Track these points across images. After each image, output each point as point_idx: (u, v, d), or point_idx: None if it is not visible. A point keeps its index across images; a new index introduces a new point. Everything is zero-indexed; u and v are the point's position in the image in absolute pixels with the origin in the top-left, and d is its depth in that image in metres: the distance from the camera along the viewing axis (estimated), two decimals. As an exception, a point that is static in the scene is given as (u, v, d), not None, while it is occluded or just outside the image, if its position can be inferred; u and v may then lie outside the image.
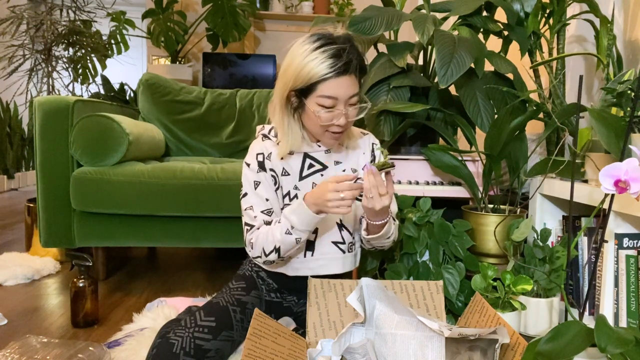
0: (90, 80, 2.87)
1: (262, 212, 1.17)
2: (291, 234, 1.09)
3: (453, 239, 1.45)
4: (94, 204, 1.77)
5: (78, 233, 1.82)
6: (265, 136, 1.23)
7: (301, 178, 1.21)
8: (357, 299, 0.98)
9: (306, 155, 1.22)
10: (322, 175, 1.22)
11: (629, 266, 1.16)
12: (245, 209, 1.18)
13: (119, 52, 3.23)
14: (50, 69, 2.60)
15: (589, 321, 1.14)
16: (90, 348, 1.23)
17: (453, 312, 1.40)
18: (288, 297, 1.28)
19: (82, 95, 2.85)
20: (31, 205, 2.22)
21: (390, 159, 1.64)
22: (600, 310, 1.22)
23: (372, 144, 1.29)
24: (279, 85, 1.13)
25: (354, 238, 1.27)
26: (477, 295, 1.10)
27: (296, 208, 1.09)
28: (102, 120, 1.79)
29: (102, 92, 2.91)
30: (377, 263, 1.46)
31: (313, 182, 1.21)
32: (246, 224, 1.18)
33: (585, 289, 1.34)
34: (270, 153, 1.20)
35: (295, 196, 1.21)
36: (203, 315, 1.09)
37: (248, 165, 1.20)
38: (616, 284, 1.18)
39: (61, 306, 1.65)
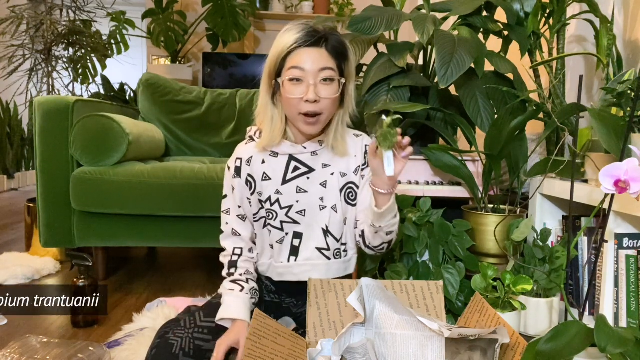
0: (90, 80, 2.88)
1: (237, 216, 1.19)
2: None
3: (453, 239, 1.45)
4: (94, 204, 1.77)
5: (78, 233, 1.82)
6: (251, 138, 1.21)
7: (284, 182, 1.17)
8: (357, 299, 0.98)
9: (291, 158, 1.17)
10: (308, 178, 1.17)
11: (629, 266, 1.16)
12: (223, 211, 1.21)
13: (119, 52, 3.23)
14: (50, 69, 2.61)
15: (589, 321, 1.14)
16: (90, 348, 1.23)
17: (453, 312, 1.40)
18: (287, 299, 1.28)
19: (82, 95, 2.85)
20: (31, 205, 2.22)
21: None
22: (600, 310, 1.22)
23: (365, 145, 1.21)
24: (264, 78, 1.12)
25: (342, 244, 1.21)
26: (477, 295, 1.10)
27: (224, 308, 1.09)
28: (102, 120, 1.79)
29: (102, 92, 2.91)
30: (377, 263, 1.46)
31: (297, 186, 1.16)
32: (221, 226, 1.22)
33: (585, 289, 1.34)
34: (252, 157, 1.17)
35: (277, 201, 1.16)
36: (203, 316, 1.08)
37: (229, 168, 1.20)
38: (616, 284, 1.18)
39: (61, 306, 1.65)
